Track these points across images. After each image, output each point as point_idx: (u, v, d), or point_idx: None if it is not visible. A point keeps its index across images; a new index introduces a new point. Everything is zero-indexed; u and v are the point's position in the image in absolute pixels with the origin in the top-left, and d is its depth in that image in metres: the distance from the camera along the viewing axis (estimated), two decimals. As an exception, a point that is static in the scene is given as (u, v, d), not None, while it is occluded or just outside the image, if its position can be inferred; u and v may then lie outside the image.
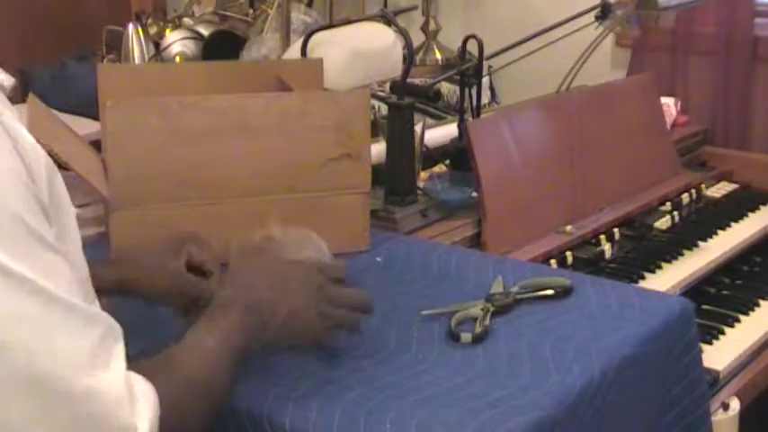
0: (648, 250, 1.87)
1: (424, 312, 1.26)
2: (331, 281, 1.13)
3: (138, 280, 1.20)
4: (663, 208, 2.01)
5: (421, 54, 2.63)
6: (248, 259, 1.17)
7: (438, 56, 2.63)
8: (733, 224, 2.04)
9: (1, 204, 0.80)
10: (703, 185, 2.15)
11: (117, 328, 0.88)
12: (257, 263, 1.15)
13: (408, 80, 1.75)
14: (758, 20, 2.40)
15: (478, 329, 1.21)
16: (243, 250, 1.20)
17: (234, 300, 1.04)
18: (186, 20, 2.62)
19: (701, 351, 1.34)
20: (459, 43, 1.90)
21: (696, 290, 1.81)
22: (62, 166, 1.33)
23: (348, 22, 2.10)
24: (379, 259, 1.46)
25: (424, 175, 1.81)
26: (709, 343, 1.68)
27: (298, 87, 1.58)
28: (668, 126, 2.25)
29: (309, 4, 2.53)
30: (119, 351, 0.86)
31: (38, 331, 0.80)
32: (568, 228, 1.80)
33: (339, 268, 1.18)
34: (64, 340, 0.81)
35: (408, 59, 1.79)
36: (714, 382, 1.59)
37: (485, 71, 1.95)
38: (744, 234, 2.01)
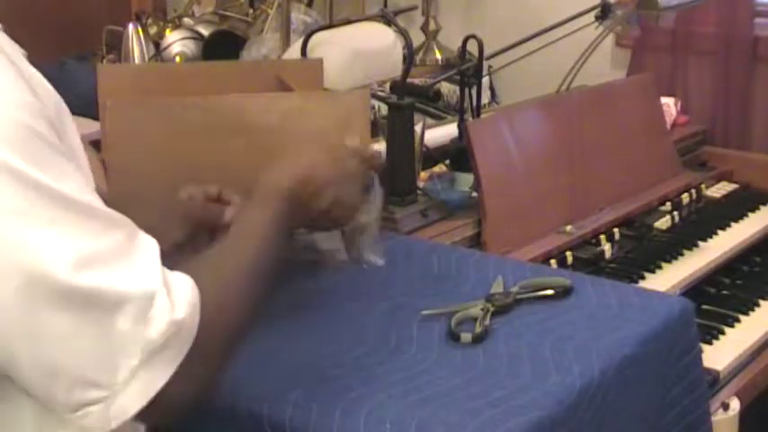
0: (648, 250, 1.87)
1: (424, 312, 1.26)
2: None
3: (150, 218, 1.13)
4: (663, 208, 2.01)
5: (421, 54, 2.63)
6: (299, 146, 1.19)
7: (438, 56, 2.63)
8: (733, 224, 2.04)
9: (9, 116, 0.79)
10: (703, 185, 2.15)
11: (140, 231, 0.87)
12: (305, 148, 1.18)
13: (408, 80, 1.75)
14: (758, 20, 2.40)
15: (478, 329, 1.21)
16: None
17: (281, 180, 1.09)
18: (186, 20, 2.62)
19: (701, 351, 1.34)
20: (459, 43, 1.90)
21: (696, 290, 1.81)
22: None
23: (348, 22, 2.10)
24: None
25: (424, 175, 1.81)
26: (709, 343, 1.68)
27: (298, 87, 1.58)
28: (668, 126, 2.25)
29: (309, 4, 2.53)
30: (147, 247, 0.86)
31: (59, 233, 0.79)
32: (568, 228, 1.80)
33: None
34: (87, 241, 0.80)
35: (408, 59, 1.79)
36: (714, 382, 1.59)
37: (485, 71, 1.95)
38: (744, 234, 2.01)
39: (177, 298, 0.85)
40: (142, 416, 0.84)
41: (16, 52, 0.87)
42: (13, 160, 0.78)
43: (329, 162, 1.16)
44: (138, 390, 0.82)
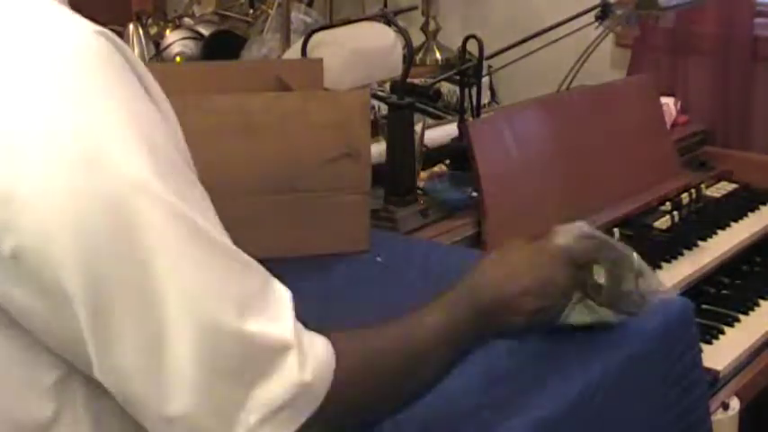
0: (648, 250, 1.86)
1: (424, 312, 1.26)
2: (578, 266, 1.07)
3: None
4: (663, 208, 2.01)
5: (421, 54, 2.63)
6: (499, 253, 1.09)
7: (438, 56, 2.63)
8: (733, 224, 2.04)
9: (157, 144, 0.76)
10: (703, 185, 2.15)
11: (273, 277, 0.82)
12: (511, 249, 1.08)
13: (408, 80, 1.75)
14: (758, 20, 2.40)
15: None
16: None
17: (481, 293, 0.99)
18: (186, 20, 2.63)
19: (700, 351, 1.34)
20: (459, 43, 1.90)
21: (696, 290, 1.81)
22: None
23: (348, 22, 2.10)
24: (379, 259, 1.46)
25: (424, 175, 1.81)
26: (709, 343, 1.68)
27: (298, 87, 1.58)
28: (668, 126, 2.25)
29: (309, 4, 2.53)
30: (282, 296, 0.81)
31: (203, 275, 0.75)
32: (568, 228, 1.79)
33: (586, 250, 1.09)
34: (231, 286, 0.77)
35: (408, 59, 1.79)
36: (714, 381, 1.59)
37: (485, 71, 1.95)
38: (744, 234, 2.01)
39: (308, 357, 0.79)
40: None
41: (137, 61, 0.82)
42: (178, 204, 0.75)
43: (538, 278, 1.04)
44: None
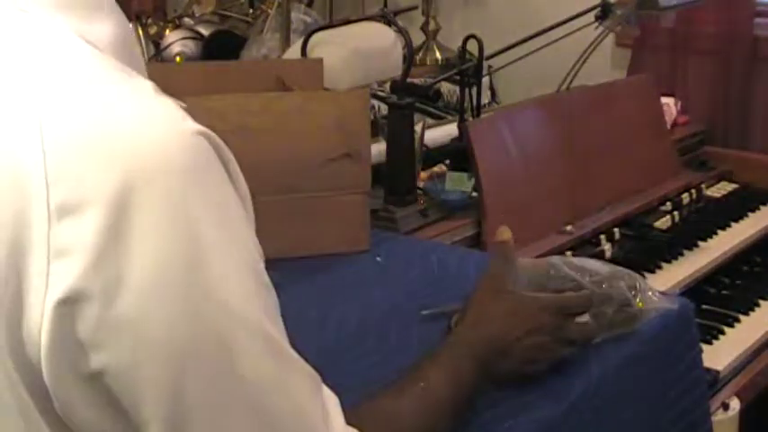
0: (648, 250, 1.87)
1: (424, 312, 1.26)
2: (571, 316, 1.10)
3: None
4: (663, 208, 2.01)
5: (421, 54, 2.63)
6: (483, 296, 1.11)
7: (438, 56, 2.63)
8: (733, 224, 2.04)
9: (254, 266, 0.73)
10: (703, 185, 2.15)
11: (321, 382, 0.80)
12: (493, 300, 1.09)
13: (408, 80, 1.75)
14: (758, 20, 2.40)
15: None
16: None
17: (466, 341, 1.02)
18: (186, 20, 2.62)
19: (701, 351, 1.34)
20: (460, 43, 1.90)
21: (696, 290, 1.81)
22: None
23: (348, 22, 2.10)
24: (379, 259, 1.46)
25: (424, 175, 1.81)
26: (709, 343, 1.68)
27: (298, 87, 1.58)
28: (668, 126, 2.25)
29: (309, 4, 2.53)
30: (332, 402, 0.80)
31: (285, 394, 0.73)
32: (568, 227, 1.80)
33: (582, 301, 1.13)
34: (303, 399, 0.75)
35: (408, 59, 1.79)
36: (714, 382, 1.59)
37: (485, 71, 1.95)
38: (744, 234, 2.01)
39: None
40: None
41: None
42: (270, 332, 0.72)
43: (521, 321, 1.06)
44: None
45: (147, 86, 0.72)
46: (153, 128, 0.67)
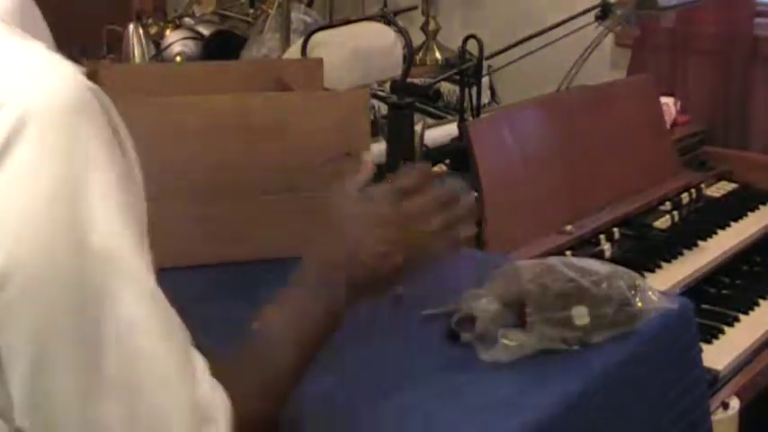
0: (648, 250, 1.87)
1: (424, 312, 1.26)
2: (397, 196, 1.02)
3: None
4: (663, 208, 2.01)
5: (421, 54, 2.63)
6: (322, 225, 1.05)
7: (438, 56, 2.63)
8: (733, 224, 2.04)
9: (123, 201, 0.75)
10: (703, 185, 2.15)
11: (192, 346, 0.82)
12: (327, 223, 1.04)
13: (408, 80, 1.75)
14: (758, 20, 2.41)
15: (479, 329, 1.21)
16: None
17: (306, 272, 0.97)
18: (186, 20, 2.62)
19: (700, 351, 1.34)
20: (460, 43, 1.90)
21: (696, 289, 1.81)
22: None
23: (348, 22, 2.10)
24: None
25: (424, 175, 1.81)
26: (709, 343, 1.68)
27: (298, 87, 1.58)
28: (668, 126, 2.25)
29: (309, 4, 2.53)
30: (198, 356, 0.82)
31: (155, 336, 0.76)
32: (568, 227, 1.80)
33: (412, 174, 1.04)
34: (173, 345, 0.78)
35: (408, 59, 1.79)
36: (714, 381, 1.59)
37: (485, 71, 1.95)
38: (744, 234, 2.01)
39: (220, 416, 0.81)
40: None
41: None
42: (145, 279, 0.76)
43: (356, 224, 1.01)
44: None
45: (44, 48, 0.78)
46: (49, 75, 0.74)
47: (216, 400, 0.81)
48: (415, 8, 2.54)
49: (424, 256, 1.02)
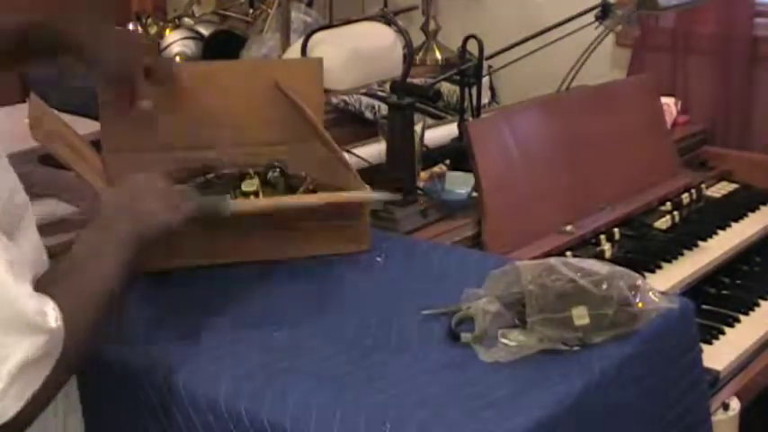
0: (648, 250, 1.87)
1: (424, 312, 1.26)
2: None
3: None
4: (663, 208, 2.01)
5: (421, 54, 2.63)
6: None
7: (438, 56, 2.63)
8: (733, 224, 2.04)
9: None
10: (703, 185, 2.15)
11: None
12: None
13: (408, 80, 1.75)
14: (758, 20, 2.40)
15: (479, 329, 1.21)
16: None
17: (118, 212, 1.13)
18: (186, 20, 2.62)
19: (701, 351, 1.34)
20: (459, 43, 1.90)
21: (696, 290, 1.81)
22: (62, 166, 1.33)
23: (348, 22, 2.10)
24: (379, 259, 1.46)
25: (423, 175, 1.81)
26: (709, 343, 1.68)
27: (298, 87, 1.57)
28: (668, 126, 2.25)
29: (309, 4, 2.53)
30: (22, 264, 0.95)
31: None
32: (568, 228, 1.80)
33: None
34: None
35: (408, 59, 1.79)
36: (714, 381, 1.59)
37: (485, 71, 1.95)
38: (744, 234, 2.01)
39: (48, 316, 0.93)
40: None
41: None
42: None
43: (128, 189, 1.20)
44: (14, 395, 0.91)
45: None
46: None
47: (47, 311, 0.93)
48: (415, 8, 2.54)
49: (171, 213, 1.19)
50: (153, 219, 1.14)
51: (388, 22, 2.11)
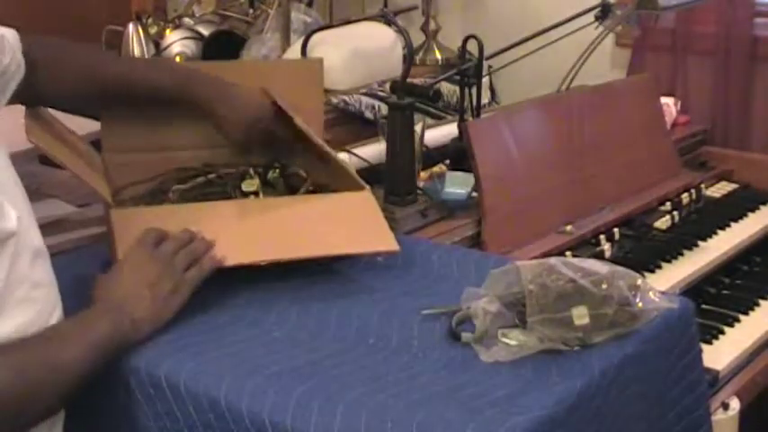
0: (648, 250, 1.87)
1: (425, 312, 1.26)
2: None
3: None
4: (663, 208, 2.02)
5: (421, 54, 2.63)
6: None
7: (438, 56, 2.63)
8: (733, 224, 2.04)
9: None
10: (703, 185, 2.15)
11: None
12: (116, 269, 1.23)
13: (408, 80, 1.75)
14: (758, 20, 2.41)
15: (479, 329, 1.21)
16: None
17: (104, 313, 1.15)
18: (186, 20, 2.62)
19: (700, 351, 1.34)
20: (459, 43, 1.90)
21: (696, 290, 1.81)
22: (59, 166, 1.33)
23: (348, 22, 2.10)
24: (379, 259, 1.46)
25: (423, 175, 1.81)
26: (709, 343, 1.68)
27: (298, 87, 1.57)
28: (668, 126, 2.25)
29: (309, 4, 2.53)
30: None
31: None
32: (568, 228, 1.80)
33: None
34: None
35: (408, 59, 1.79)
36: (714, 381, 1.59)
37: (485, 71, 1.95)
38: (744, 234, 2.01)
39: None
40: None
41: None
42: None
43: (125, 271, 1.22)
44: None
45: None
46: None
47: None
48: (415, 8, 2.54)
49: (182, 284, 1.23)
50: (136, 328, 1.16)
51: (388, 22, 2.11)
